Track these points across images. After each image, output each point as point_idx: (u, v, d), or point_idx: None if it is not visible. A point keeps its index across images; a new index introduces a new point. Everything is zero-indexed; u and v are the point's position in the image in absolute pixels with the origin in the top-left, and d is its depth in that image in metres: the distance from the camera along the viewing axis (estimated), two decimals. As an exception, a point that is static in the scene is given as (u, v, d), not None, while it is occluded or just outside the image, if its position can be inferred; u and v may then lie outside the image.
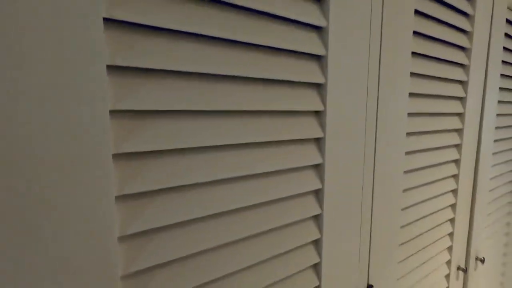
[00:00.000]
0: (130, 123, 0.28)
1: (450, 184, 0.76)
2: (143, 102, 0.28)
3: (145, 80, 0.29)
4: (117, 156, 0.28)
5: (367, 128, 0.50)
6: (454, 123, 0.74)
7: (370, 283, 0.55)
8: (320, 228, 0.46)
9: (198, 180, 0.32)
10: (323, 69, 0.43)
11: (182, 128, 0.31)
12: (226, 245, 0.37)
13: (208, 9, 0.32)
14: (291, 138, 0.41)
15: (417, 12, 0.57)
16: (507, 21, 0.86)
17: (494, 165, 0.93)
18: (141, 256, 0.29)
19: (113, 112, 0.27)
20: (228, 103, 0.34)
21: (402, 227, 0.62)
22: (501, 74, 0.89)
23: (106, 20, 0.26)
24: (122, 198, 0.28)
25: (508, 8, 0.85)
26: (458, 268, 0.84)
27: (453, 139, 0.74)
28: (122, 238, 0.29)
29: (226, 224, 0.36)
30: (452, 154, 0.75)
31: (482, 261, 0.89)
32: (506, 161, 1.01)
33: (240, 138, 0.35)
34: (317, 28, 0.43)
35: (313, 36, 0.42)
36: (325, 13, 0.42)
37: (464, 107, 0.75)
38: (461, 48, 0.72)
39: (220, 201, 0.35)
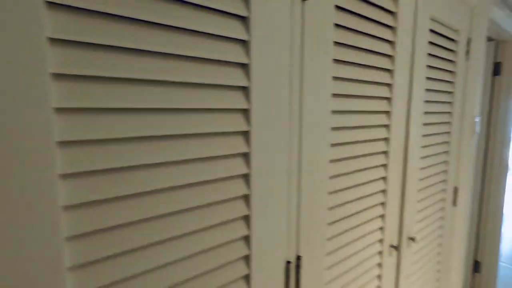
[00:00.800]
0: (72, 117, 0.36)
1: (380, 172, 0.88)
2: (85, 101, 0.36)
3: (89, 84, 0.37)
4: (60, 143, 0.36)
5: (292, 122, 0.60)
6: (382, 119, 0.86)
7: (299, 254, 0.66)
8: (248, 206, 0.55)
9: (142, 162, 0.41)
10: (248, 75, 0.52)
11: (125, 121, 0.40)
12: (166, 215, 0.45)
13: (153, 30, 0.40)
14: (222, 131, 0.50)
15: (338, 25, 0.68)
16: (431, 30, 0.99)
17: (424, 157, 1.07)
18: (82, 222, 0.37)
19: (57, 109, 0.35)
20: (170, 103, 0.43)
21: (330, 208, 0.72)
22: (427, 77, 1.02)
23: (51, 39, 0.34)
24: (64, 176, 0.36)
25: (431, 19, 0.98)
26: (391, 246, 0.96)
27: (382, 133, 0.86)
28: (66, 208, 0.37)
29: (168, 197, 0.45)
30: (381, 146, 0.87)
31: (413, 240, 1.02)
32: (436, 154, 1.15)
33: (179, 130, 0.44)
34: (242, 41, 0.52)
35: (238, 47, 0.51)
36: (248, 29, 0.51)
37: (390, 106, 0.87)
38: (386, 55, 0.84)
39: (162, 179, 0.43)
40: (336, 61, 0.69)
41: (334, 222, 0.75)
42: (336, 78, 0.69)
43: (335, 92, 0.68)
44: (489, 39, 1.81)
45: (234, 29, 0.50)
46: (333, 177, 0.72)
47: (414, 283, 1.15)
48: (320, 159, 0.67)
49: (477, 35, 1.25)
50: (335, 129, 0.71)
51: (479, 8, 1.24)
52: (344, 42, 0.69)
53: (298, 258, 0.65)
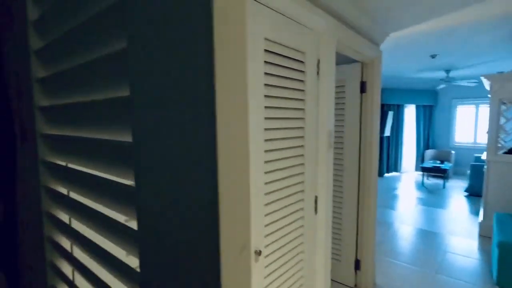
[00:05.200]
0: None
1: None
2: None
3: None
4: None
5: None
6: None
7: None
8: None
9: None
10: None
11: None
12: None
13: None
14: None
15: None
16: (267, 50, 1.05)
17: (270, 171, 1.11)
18: None
19: None
20: None
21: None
22: (268, 96, 1.07)
23: None
24: None
25: (266, 39, 1.04)
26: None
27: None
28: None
29: None
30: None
31: (260, 253, 1.04)
32: (289, 167, 1.21)
33: None
34: None
35: None
36: None
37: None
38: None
39: None
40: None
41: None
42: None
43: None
44: (355, 61, 2.05)
45: None
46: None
47: (273, 294, 1.18)
48: None
49: (326, 57, 1.38)
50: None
51: (327, 35, 1.38)
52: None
53: None
